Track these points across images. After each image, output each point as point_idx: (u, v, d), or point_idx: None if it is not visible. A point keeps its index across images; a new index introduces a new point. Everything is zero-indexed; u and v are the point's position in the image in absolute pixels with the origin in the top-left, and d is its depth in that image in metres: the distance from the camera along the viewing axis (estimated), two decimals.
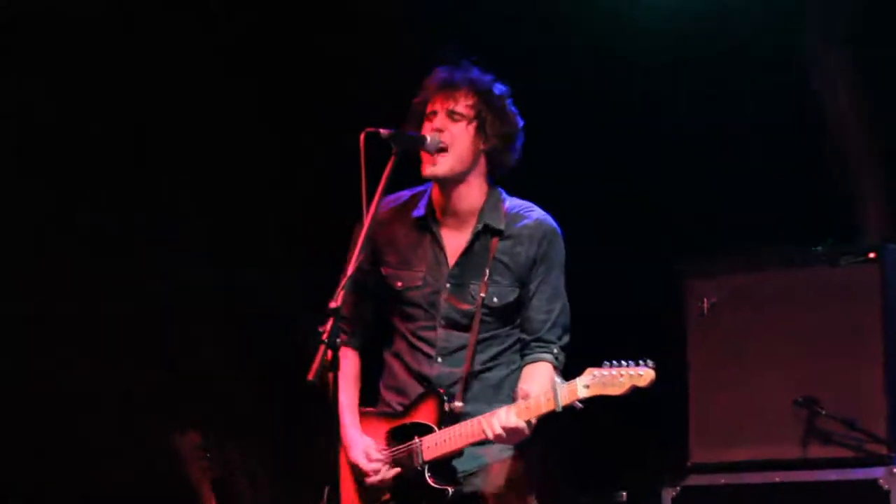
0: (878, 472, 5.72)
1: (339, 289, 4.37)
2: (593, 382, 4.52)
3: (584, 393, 4.53)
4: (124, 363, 6.97)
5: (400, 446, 4.81)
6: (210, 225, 7.30)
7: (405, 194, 4.97)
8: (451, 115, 4.80)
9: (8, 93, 6.91)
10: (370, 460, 4.80)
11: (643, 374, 4.48)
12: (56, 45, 7.00)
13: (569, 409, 4.57)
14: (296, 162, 7.40)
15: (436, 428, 4.75)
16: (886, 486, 5.67)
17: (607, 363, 4.52)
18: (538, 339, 4.85)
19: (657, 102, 6.87)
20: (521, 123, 4.90)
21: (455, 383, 4.80)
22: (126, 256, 7.07)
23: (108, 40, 7.08)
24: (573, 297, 4.95)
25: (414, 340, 4.88)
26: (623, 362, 4.51)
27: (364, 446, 4.82)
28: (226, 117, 7.26)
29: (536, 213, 4.91)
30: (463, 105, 4.80)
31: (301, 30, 7.46)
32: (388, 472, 4.79)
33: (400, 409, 4.88)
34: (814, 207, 6.66)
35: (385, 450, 4.83)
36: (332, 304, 4.30)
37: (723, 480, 5.99)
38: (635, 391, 4.50)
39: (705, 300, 6.17)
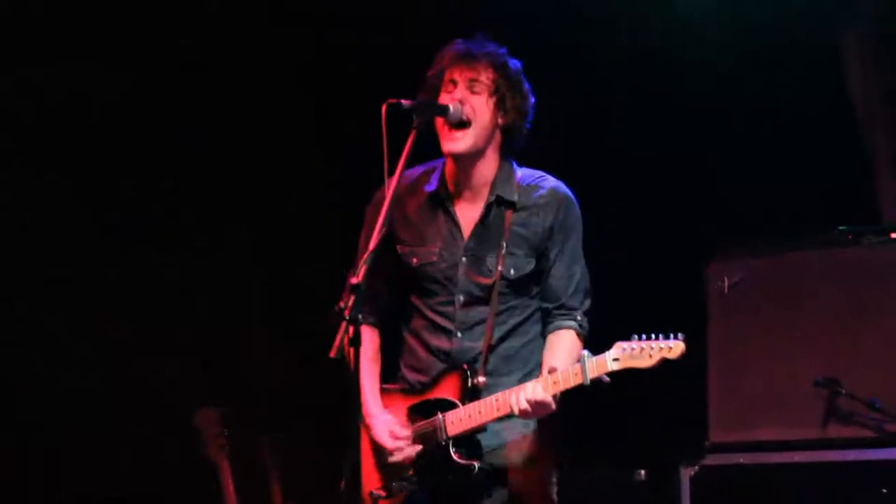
0: None
1: (360, 265, 4.37)
2: (622, 355, 4.52)
3: (613, 366, 4.53)
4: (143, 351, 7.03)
5: (422, 422, 4.81)
6: (237, 211, 7.32)
7: (416, 171, 4.96)
8: (472, 85, 4.78)
9: (20, 86, 6.94)
10: (395, 438, 4.79)
11: (673, 347, 4.48)
12: (65, 39, 7.03)
13: (596, 383, 4.56)
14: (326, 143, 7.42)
15: (459, 403, 4.75)
16: None
17: (636, 337, 4.52)
18: (561, 306, 4.86)
19: (682, 85, 6.87)
20: (533, 99, 4.89)
21: (475, 358, 4.81)
22: (147, 245, 7.11)
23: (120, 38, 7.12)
24: (595, 277, 4.96)
25: (432, 316, 4.88)
26: (653, 335, 4.50)
27: (388, 424, 4.82)
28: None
29: (550, 181, 4.91)
30: (483, 77, 4.79)
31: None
32: (412, 450, 4.78)
33: (419, 386, 4.88)
34: (836, 191, 6.66)
35: (407, 426, 4.82)
36: (354, 281, 4.29)
37: (742, 460, 5.97)
38: (664, 364, 4.49)
39: (726, 280, 6.15)
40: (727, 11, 6.86)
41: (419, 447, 4.79)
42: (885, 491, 5.69)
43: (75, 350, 6.98)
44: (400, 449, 4.79)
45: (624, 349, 4.52)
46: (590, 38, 6.99)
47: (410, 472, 4.82)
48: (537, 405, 4.61)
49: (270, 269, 7.38)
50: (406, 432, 4.79)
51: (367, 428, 4.84)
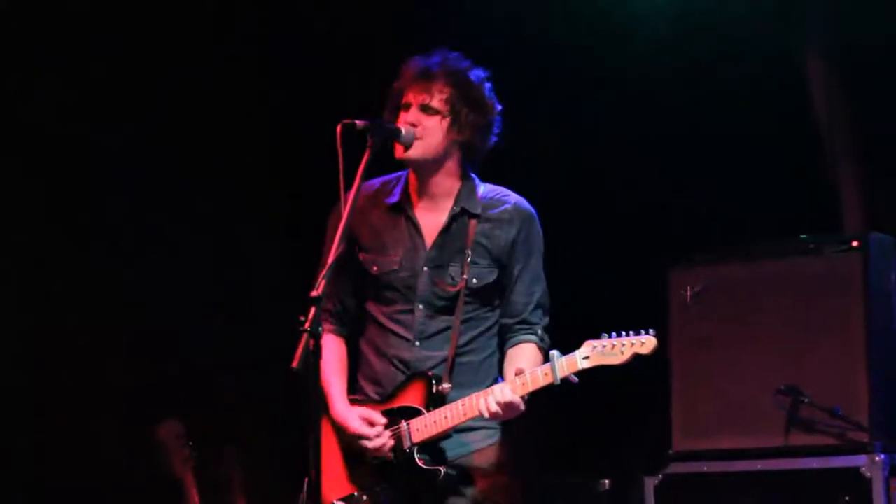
0: (860, 460, 5.71)
1: (320, 278, 4.35)
2: (593, 353, 4.52)
3: (584, 364, 4.53)
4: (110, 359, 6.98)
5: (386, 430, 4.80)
6: (197, 222, 7.30)
7: (378, 181, 4.97)
8: (425, 109, 4.80)
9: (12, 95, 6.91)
10: (372, 425, 4.77)
11: (645, 342, 4.49)
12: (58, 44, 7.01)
13: (564, 382, 4.55)
14: (283, 157, 7.41)
15: (424, 410, 4.74)
16: (868, 474, 5.67)
17: (605, 335, 4.52)
18: (522, 322, 4.87)
19: (648, 98, 6.91)
20: (498, 109, 4.89)
21: (434, 367, 4.80)
22: (115, 256, 7.08)
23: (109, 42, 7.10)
24: (558, 286, 4.97)
25: (390, 325, 4.88)
26: (623, 333, 4.51)
27: (360, 414, 4.79)
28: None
29: (513, 197, 4.93)
30: (437, 99, 4.80)
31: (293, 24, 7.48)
32: (389, 438, 4.75)
33: (379, 397, 4.87)
34: (799, 200, 6.70)
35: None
36: (314, 293, 4.29)
37: (705, 468, 6.00)
38: (637, 359, 4.48)
39: (688, 289, 6.17)
40: (691, 19, 6.88)
41: (392, 442, 4.75)
42: (847, 498, 5.71)
43: (25, 359, 6.91)
44: (379, 434, 4.76)
45: (594, 347, 4.52)
46: (552, 40, 7.02)
47: (374, 481, 4.80)
48: (507, 407, 4.62)
49: (232, 278, 7.36)
50: (382, 419, 4.76)
51: (340, 426, 4.80)
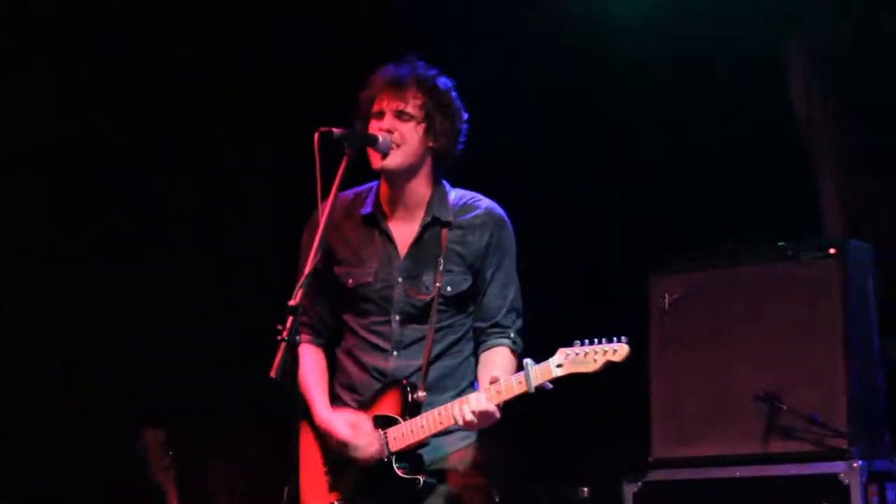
0: (838, 467, 5.74)
1: (298, 287, 4.37)
2: (566, 361, 4.51)
3: (557, 372, 4.52)
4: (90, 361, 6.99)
5: None
6: (186, 225, 7.32)
7: (351, 193, 4.98)
8: (400, 115, 4.81)
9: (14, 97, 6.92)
10: (357, 430, 4.77)
11: (617, 349, 4.47)
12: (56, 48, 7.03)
13: (539, 390, 4.56)
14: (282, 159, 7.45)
15: (400, 419, 4.75)
16: (846, 481, 5.70)
17: (578, 342, 4.52)
18: (495, 325, 4.87)
19: (628, 102, 6.93)
20: (465, 116, 4.91)
21: (412, 375, 4.81)
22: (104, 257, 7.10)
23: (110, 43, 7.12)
24: (535, 294, 4.98)
25: (367, 336, 4.89)
26: (595, 340, 4.51)
27: (346, 420, 4.80)
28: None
29: (484, 202, 4.94)
30: (412, 105, 4.81)
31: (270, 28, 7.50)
32: (377, 444, 4.74)
33: (355, 405, 4.88)
34: (778, 205, 6.72)
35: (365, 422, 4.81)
36: (291, 303, 4.30)
37: (684, 475, 6.03)
38: (610, 367, 4.48)
39: (667, 296, 6.20)
40: (670, 19, 6.90)
41: (380, 443, 4.76)
42: None
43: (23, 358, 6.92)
44: (367, 438, 4.76)
45: (567, 354, 4.52)
46: (529, 42, 7.04)
47: (352, 491, 4.81)
48: (482, 415, 4.62)
49: (221, 286, 7.38)
50: (368, 422, 4.78)
51: (324, 432, 4.81)
